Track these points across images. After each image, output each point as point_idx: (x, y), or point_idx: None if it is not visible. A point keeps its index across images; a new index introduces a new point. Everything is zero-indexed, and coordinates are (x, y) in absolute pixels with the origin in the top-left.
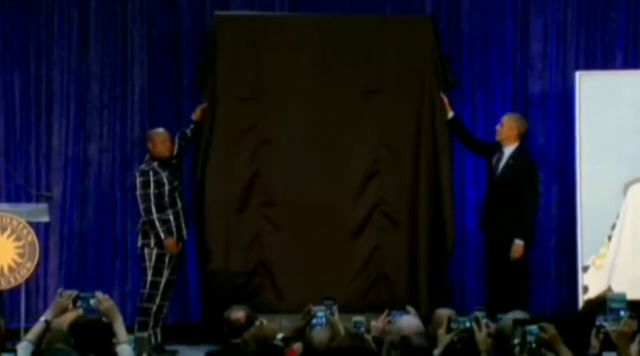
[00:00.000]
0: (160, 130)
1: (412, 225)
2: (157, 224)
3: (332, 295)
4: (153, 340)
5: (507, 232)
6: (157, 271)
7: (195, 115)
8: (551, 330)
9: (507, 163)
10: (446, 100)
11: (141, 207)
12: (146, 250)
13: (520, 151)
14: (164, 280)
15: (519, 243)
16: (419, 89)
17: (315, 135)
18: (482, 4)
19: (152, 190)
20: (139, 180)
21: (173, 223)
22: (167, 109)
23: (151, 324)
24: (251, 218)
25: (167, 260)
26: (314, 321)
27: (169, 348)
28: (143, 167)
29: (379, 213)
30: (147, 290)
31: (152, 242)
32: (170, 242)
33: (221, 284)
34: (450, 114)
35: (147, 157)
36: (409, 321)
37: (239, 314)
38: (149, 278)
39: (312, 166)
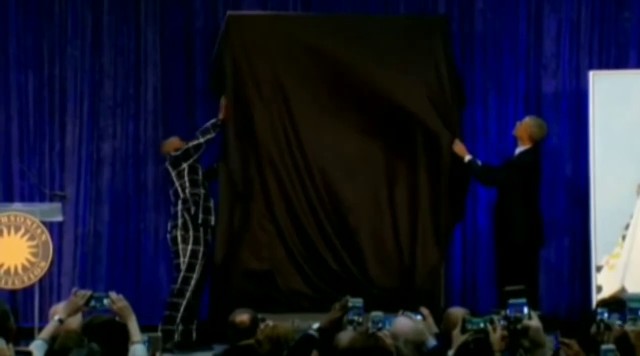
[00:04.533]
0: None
1: (419, 229)
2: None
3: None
4: (181, 337)
5: (516, 230)
6: (190, 267)
7: (222, 114)
8: (574, 345)
9: (511, 162)
10: (461, 146)
11: (185, 186)
12: (180, 246)
13: (527, 153)
14: (196, 276)
15: (463, 151)
16: (431, 88)
17: (326, 135)
18: (495, 4)
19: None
20: (183, 168)
21: (201, 204)
22: (180, 108)
23: (178, 320)
24: (260, 220)
25: (200, 256)
26: (350, 313)
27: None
28: (179, 154)
29: (387, 216)
30: (178, 285)
31: (185, 233)
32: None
33: (232, 285)
34: (467, 157)
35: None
36: (403, 325)
37: (243, 317)
38: (182, 274)
39: (321, 168)
